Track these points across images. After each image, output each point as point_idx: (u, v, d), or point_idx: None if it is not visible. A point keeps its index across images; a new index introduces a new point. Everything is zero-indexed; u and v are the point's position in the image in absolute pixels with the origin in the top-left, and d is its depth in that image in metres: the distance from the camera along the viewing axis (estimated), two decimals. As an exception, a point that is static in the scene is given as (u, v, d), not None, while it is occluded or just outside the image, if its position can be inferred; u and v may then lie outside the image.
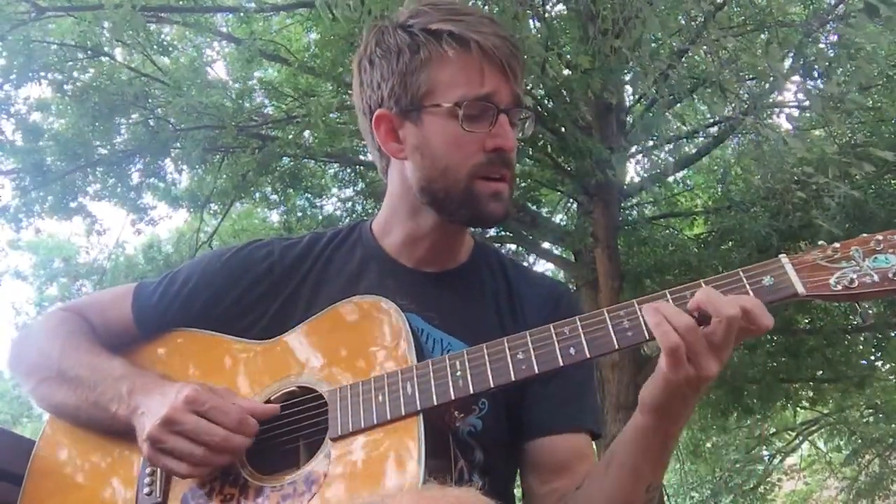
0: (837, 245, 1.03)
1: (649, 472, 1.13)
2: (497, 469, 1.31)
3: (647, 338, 1.03)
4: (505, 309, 1.38)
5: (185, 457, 1.14)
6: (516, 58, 1.26)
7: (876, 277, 0.99)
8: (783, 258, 1.04)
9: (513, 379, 1.08)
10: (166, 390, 1.19)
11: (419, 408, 1.10)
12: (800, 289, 1.01)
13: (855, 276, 1.00)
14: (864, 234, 1.02)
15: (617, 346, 1.05)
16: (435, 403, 1.10)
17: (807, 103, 6.16)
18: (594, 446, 1.37)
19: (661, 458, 1.13)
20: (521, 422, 1.32)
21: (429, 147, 1.27)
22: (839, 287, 1.00)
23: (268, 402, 1.23)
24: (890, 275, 0.98)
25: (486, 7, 6.12)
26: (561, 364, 1.06)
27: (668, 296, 1.05)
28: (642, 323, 1.04)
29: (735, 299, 1.01)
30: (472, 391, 1.09)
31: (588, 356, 1.06)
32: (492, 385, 1.09)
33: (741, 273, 1.05)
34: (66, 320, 1.40)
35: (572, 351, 1.07)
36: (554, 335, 1.08)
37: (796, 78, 5.97)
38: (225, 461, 1.16)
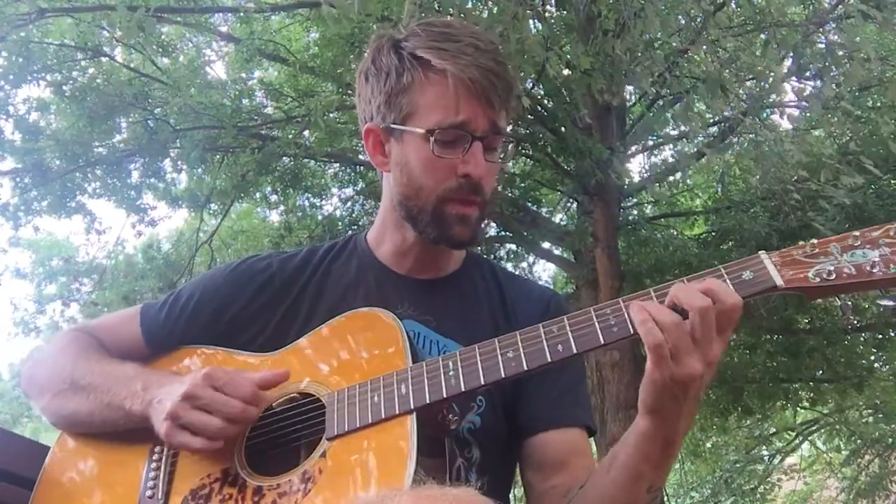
0: (816, 242, 1.05)
1: (650, 474, 1.13)
2: (493, 468, 1.33)
3: (632, 332, 1.05)
4: (498, 312, 1.43)
5: (201, 430, 1.18)
6: (496, 87, 1.29)
7: (853, 271, 1.00)
8: (762, 254, 1.06)
9: (503, 376, 1.10)
10: (182, 378, 1.24)
11: (412, 406, 1.12)
12: (778, 281, 1.03)
13: (833, 268, 1.01)
14: (843, 233, 1.04)
15: (602, 342, 1.07)
16: (428, 402, 1.12)
17: (804, 104, 6.17)
18: (590, 443, 1.38)
19: (662, 462, 1.12)
20: (517, 420, 1.35)
21: (407, 165, 1.34)
22: (817, 280, 1.01)
23: (269, 408, 1.26)
24: (867, 268, 1.00)
25: (487, 7, 6.13)
26: (549, 360, 1.08)
27: (653, 293, 1.07)
28: (627, 319, 1.06)
29: (695, 286, 1.03)
30: (463, 389, 1.11)
31: (575, 352, 1.08)
32: (483, 382, 1.11)
33: (722, 269, 1.07)
34: (77, 339, 1.44)
35: (560, 347, 1.09)
36: (543, 333, 1.11)
37: (795, 78, 5.99)
38: (238, 431, 1.21)
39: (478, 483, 1.28)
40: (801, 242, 1.05)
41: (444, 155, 1.29)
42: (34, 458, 1.40)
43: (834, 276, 1.01)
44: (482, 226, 1.37)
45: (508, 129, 1.38)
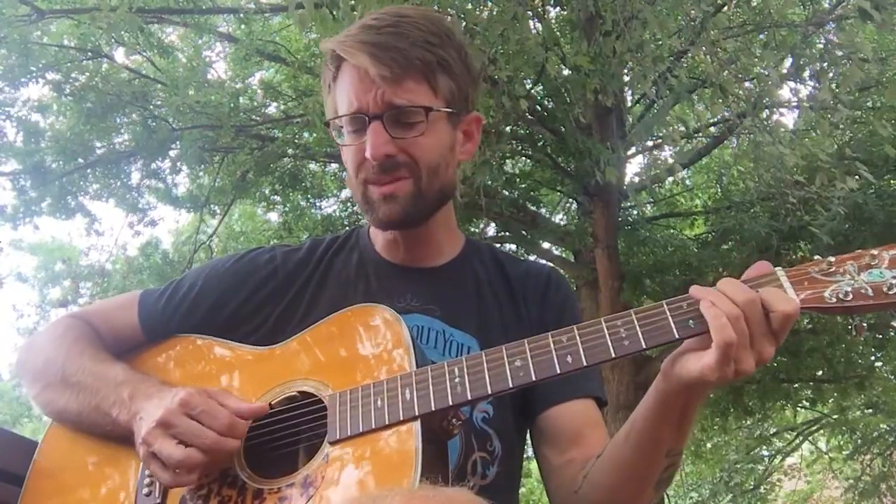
0: (833, 259, 1.03)
1: (668, 438, 1.13)
2: (511, 459, 1.34)
3: (643, 347, 1.04)
4: (502, 294, 1.43)
5: (166, 459, 1.15)
6: (384, 60, 1.22)
7: (870, 292, 0.99)
8: (779, 271, 1.05)
9: (510, 386, 1.09)
10: (165, 395, 1.21)
11: (417, 413, 1.10)
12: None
13: (850, 289, 1.00)
14: (860, 250, 1.02)
15: (613, 356, 1.05)
16: (433, 409, 1.10)
17: (802, 105, 6.17)
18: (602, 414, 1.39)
19: (681, 426, 1.12)
20: (530, 397, 1.35)
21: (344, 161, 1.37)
22: (833, 300, 1.00)
23: (269, 406, 1.24)
24: (884, 289, 0.98)
25: (487, 8, 6.11)
26: (558, 372, 1.07)
27: (665, 306, 1.05)
28: (638, 333, 1.04)
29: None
30: (469, 397, 1.10)
31: (585, 364, 1.06)
32: (489, 392, 1.10)
33: None
34: (72, 327, 1.42)
35: (569, 359, 1.07)
36: (552, 343, 1.09)
37: (793, 79, 5.98)
38: (211, 462, 1.17)
39: (497, 476, 1.29)
40: (817, 258, 1.03)
41: (354, 142, 1.30)
42: (22, 453, 1.38)
43: (851, 297, 0.99)
44: (424, 201, 1.31)
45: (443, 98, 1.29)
